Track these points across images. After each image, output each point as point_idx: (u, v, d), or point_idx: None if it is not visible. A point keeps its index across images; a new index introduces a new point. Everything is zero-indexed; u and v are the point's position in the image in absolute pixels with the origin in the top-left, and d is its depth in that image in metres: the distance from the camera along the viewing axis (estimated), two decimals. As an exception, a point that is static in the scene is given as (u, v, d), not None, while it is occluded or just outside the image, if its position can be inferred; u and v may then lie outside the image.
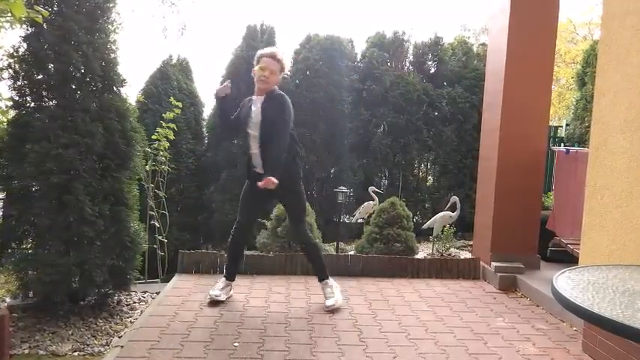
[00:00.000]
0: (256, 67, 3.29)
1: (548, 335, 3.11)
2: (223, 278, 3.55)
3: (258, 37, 6.80)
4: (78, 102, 3.25)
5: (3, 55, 3.22)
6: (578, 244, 3.04)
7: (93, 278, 3.19)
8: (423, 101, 7.19)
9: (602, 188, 2.71)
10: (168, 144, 4.85)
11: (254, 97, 3.35)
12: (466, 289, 4.07)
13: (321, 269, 3.53)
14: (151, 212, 4.70)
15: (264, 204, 3.67)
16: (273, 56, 3.29)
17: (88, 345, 2.92)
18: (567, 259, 3.84)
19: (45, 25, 3.14)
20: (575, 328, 3.19)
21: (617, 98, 2.63)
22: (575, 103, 7.13)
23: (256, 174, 3.31)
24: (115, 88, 3.46)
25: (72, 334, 3.02)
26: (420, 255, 5.28)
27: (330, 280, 3.54)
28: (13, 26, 3.18)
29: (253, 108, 3.30)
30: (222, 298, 3.43)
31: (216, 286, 3.49)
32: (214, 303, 3.39)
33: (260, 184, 3.11)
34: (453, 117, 7.32)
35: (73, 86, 3.30)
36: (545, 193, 5.26)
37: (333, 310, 3.35)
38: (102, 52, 3.35)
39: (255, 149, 3.32)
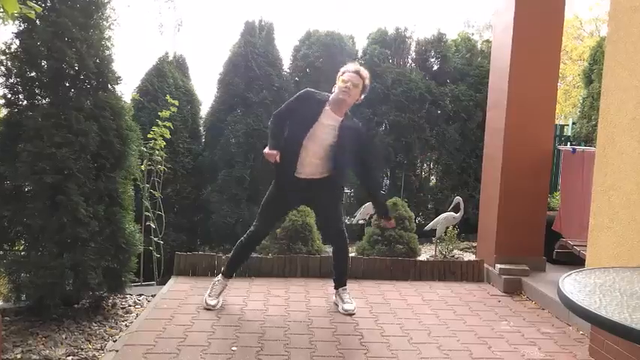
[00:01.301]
0: (339, 81, 3.33)
1: (554, 339, 3.11)
2: (220, 276, 3.53)
3: (256, 34, 6.79)
4: (72, 100, 3.25)
5: (-5, 52, 3.22)
6: (585, 246, 3.04)
7: (87, 281, 3.19)
8: (426, 99, 7.19)
9: (609, 188, 2.71)
10: (165, 143, 4.84)
11: (328, 109, 3.32)
12: (470, 291, 4.07)
13: (345, 273, 3.61)
14: (147, 213, 4.69)
15: (286, 214, 3.73)
16: (357, 71, 3.35)
17: (82, 349, 2.92)
18: (574, 261, 3.84)
19: (38, 21, 3.13)
20: (581, 332, 3.20)
21: (624, 96, 2.63)
22: (581, 101, 7.12)
23: (296, 180, 3.32)
24: (109, 86, 3.46)
25: (65, 338, 3.02)
26: (423, 257, 5.28)
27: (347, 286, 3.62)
28: (5, 22, 3.16)
29: (326, 121, 3.30)
30: (219, 306, 3.43)
31: (212, 292, 3.48)
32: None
33: (389, 225, 3.69)
34: (457, 115, 7.32)
35: (67, 84, 3.30)
36: (551, 194, 5.26)
37: (351, 314, 3.40)
38: (96, 48, 3.35)
39: (312, 158, 3.29)
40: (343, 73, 3.35)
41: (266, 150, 3.20)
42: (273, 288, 3.95)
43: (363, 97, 3.39)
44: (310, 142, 3.28)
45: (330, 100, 3.34)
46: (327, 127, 3.30)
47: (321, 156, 3.31)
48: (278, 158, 3.16)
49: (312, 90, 3.42)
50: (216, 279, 3.56)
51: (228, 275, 3.55)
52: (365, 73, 3.38)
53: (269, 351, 2.77)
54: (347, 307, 3.44)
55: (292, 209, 3.68)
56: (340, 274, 3.58)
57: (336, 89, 3.33)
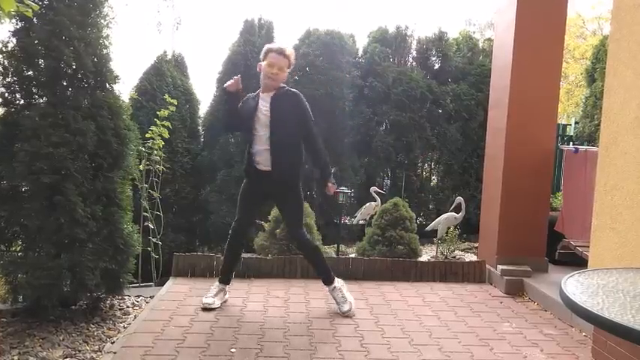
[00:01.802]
0: (264, 63, 3.32)
1: (557, 341, 3.11)
2: (217, 283, 3.54)
3: (255, 32, 6.80)
4: (69, 99, 3.25)
5: (-8, 51, 3.22)
6: (588, 247, 3.04)
7: (85, 282, 3.19)
8: (427, 98, 7.19)
9: (612, 189, 2.71)
10: (163, 143, 4.85)
11: (261, 94, 3.36)
12: (471, 293, 4.07)
13: (325, 272, 3.53)
14: (145, 213, 4.70)
15: (262, 203, 3.69)
16: (281, 52, 3.34)
17: (79, 351, 2.92)
18: (576, 261, 3.84)
19: (35, 20, 3.14)
20: (584, 334, 3.20)
21: (627, 95, 2.63)
22: (584, 100, 7.13)
23: (259, 172, 3.34)
24: (107, 85, 3.46)
25: (63, 340, 3.02)
26: (424, 258, 5.28)
27: (338, 283, 3.54)
28: (2, 21, 3.16)
29: (261, 105, 3.32)
30: (217, 304, 3.43)
31: (209, 293, 3.48)
32: (209, 309, 3.39)
33: (330, 191, 3.46)
34: (458, 115, 7.33)
35: (64, 83, 3.30)
36: (553, 194, 5.26)
37: (350, 315, 3.36)
38: (94, 47, 3.35)
39: (261, 146, 3.31)
40: (267, 53, 3.35)
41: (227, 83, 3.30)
42: (273, 289, 3.95)
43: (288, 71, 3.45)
44: (258, 128, 3.30)
45: (261, 87, 3.38)
46: (261, 109, 3.32)
47: (268, 143, 3.30)
48: (239, 78, 3.28)
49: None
50: (214, 285, 3.56)
51: (225, 282, 3.56)
52: (289, 51, 3.40)
53: (268, 353, 2.77)
54: (343, 308, 3.40)
55: (265, 201, 3.66)
56: (321, 273, 3.55)
57: (262, 71, 3.35)
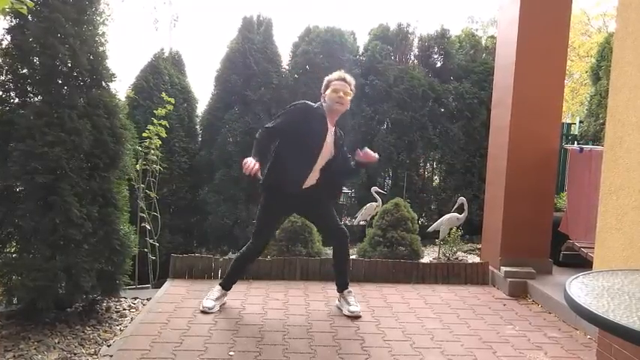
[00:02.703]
0: (328, 91, 3.39)
1: (561, 344, 3.11)
2: (219, 287, 3.54)
3: (254, 29, 6.79)
4: (64, 98, 3.25)
5: (-15, 49, 3.22)
6: (593, 248, 3.04)
7: (80, 284, 3.19)
8: (429, 97, 7.19)
9: (617, 189, 2.71)
10: (160, 142, 4.85)
11: (327, 121, 3.39)
12: (474, 295, 4.07)
13: (347, 275, 3.61)
14: (142, 214, 4.70)
15: (287, 217, 3.74)
16: (343, 79, 3.44)
17: (75, 354, 2.92)
18: (581, 263, 3.84)
19: (30, 17, 3.14)
20: (589, 337, 3.20)
21: (633, 94, 2.63)
22: (589, 98, 7.12)
23: (299, 191, 3.36)
24: (103, 83, 3.46)
25: (58, 343, 3.02)
26: (426, 259, 5.28)
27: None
28: (-4, 18, 3.18)
29: (329, 137, 3.39)
30: (216, 309, 3.43)
31: (209, 296, 3.49)
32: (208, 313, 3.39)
33: (371, 155, 3.36)
34: (461, 113, 7.32)
35: (60, 81, 3.30)
36: (557, 194, 5.26)
37: (357, 317, 3.41)
38: (90, 45, 3.35)
39: (313, 169, 3.36)
40: (330, 82, 3.43)
41: (247, 159, 3.08)
42: (272, 291, 3.95)
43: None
44: (319, 154, 3.36)
45: (325, 112, 3.41)
46: (330, 142, 3.40)
47: (322, 167, 3.42)
48: (257, 172, 3.08)
49: (309, 103, 3.44)
50: (215, 288, 3.56)
51: (226, 288, 3.56)
52: (350, 78, 3.48)
53: (267, 356, 2.77)
54: (352, 308, 3.44)
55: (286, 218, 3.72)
56: (344, 275, 3.58)
57: (326, 100, 3.40)
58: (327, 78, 3.49)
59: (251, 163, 3.05)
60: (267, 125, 3.36)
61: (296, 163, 3.32)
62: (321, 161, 3.39)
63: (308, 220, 4.20)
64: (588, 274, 1.69)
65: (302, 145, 3.31)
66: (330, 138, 3.39)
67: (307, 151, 3.33)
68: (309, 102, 3.44)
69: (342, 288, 3.58)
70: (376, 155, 3.41)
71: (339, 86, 3.39)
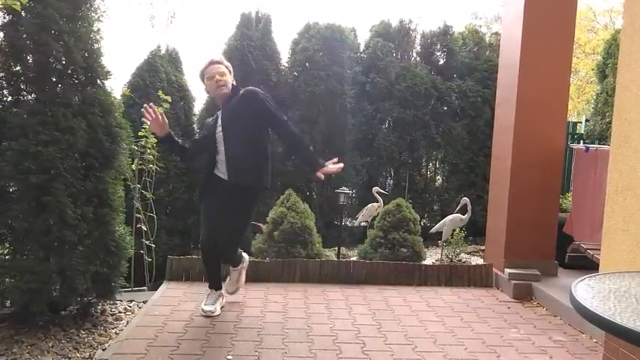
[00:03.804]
0: (206, 82, 3.38)
1: (567, 347, 3.11)
2: (212, 289, 3.54)
3: (253, 26, 6.80)
4: (59, 96, 3.24)
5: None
6: (599, 249, 3.04)
7: (75, 286, 3.19)
8: (432, 95, 7.19)
9: (624, 189, 2.71)
10: (156, 141, 4.84)
11: (221, 111, 3.40)
12: (478, 297, 4.07)
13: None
14: (138, 215, 4.70)
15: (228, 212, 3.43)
16: (213, 62, 3.38)
17: (69, 358, 2.92)
18: (587, 265, 3.83)
19: (23, 13, 3.13)
20: (595, 340, 3.20)
21: (640, 92, 2.63)
22: (595, 97, 7.13)
23: (222, 182, 3.35)
24: (98, 81, 3.46)
25: (52, 347, 3.02)
26: (428, 261, 5.28)
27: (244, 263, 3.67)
28: (-11, 14, 3.18)
29: (219, 119, 3.37)
30: (218, 312, 3.43)
31: (208, 300, 3.48)
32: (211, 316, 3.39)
33: (319, 176, 3.24)
34: (464, 112, 7.32)
35: (54, 79, 3.30)
36: (562, 195, 5.27)
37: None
38: (84, 42, 3.34)
39: (221, 158, 3.33)
40: (203, 73, 3.39)
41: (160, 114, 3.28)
42: (271, 293, 3.95)
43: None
44: (220, 144, 3.32)
45: (218, 104, 3.44)
46: (219, 122, 3.37)
47: (224, 153, 3.32)
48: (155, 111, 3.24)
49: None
50: (209, 291, 3.55)
51: (216, 287, 3.55)
52: (219, 56, 3.49)
53: (266, 359, 2.77)
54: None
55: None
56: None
57: (209, 91, 3.44)
58: (199, 70, 3.43)
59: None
60: None
61: (210, 164, 3.39)
62: (221, 146, 3.30)
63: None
64: (594, 277, 1.69)
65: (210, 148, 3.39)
66: (220, 117, 3.35)
67: (213, 149, 3.35)
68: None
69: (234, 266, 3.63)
70: (338, 166, 3.29)
71: (212, 71, 3.34)
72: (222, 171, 3.34)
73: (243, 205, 3.36)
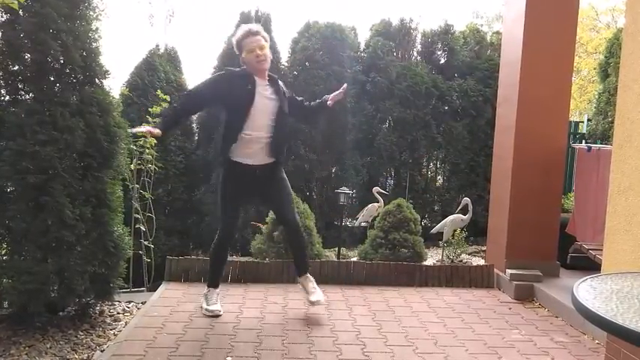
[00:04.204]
0: (244, 54, 3.32)
1: (568, 349, 3.11)
2: (211, 288, 3.53)
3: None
4: (57, 95, 3.25)
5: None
6: (601, 250, 3.04)
7: (73, 287, 3.19)
8: (432, 94, 7.20)
9: (626, 189, 2.71)
10: (155, 141, 4.85)
11: (256, 78, 3.32)
12: (479, 298, 4.07)
13: (305, 260, 3.63)
14: (137, 215, 4.69)
15: (249, 201, 3.63)
16: (252, 33, 3.33)
17: (67, 359, 2.92)
18: (589, 265, 3.83)
19: (21, 12, 3.13)
20: (597, 341, 3.20)
21: (643, 91, 2.62)
22: (597, 96, 7.12)
23: (248, 168, 3.32)
24: (97, 80, 3.46)
25: (50, 348, 3.02)
26: (429, 261, 5.28)
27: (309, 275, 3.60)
28: (-13, 13, 3.18)
29: (263, 91, 3.32)
30: (221, 310, 3.42)
31: (209, 301, 3.47)
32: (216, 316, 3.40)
33: (333, 98, 3.52)
34: (465, 111, 7.33)
35: (52, 78, 3.30)
36: (564, 195, 5.26)
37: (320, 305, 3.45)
38: (83, 41, 3.35)
39: (262, 136, 3.30)
40: (240, 43, 3.32)
41: (148, 127, 3.19)
42: (271, 294, 3.95)
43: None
44: (251, 123, 3.27)
45: (251, 72, 3.35)
46: (267, 96, 3.35)
47: (265, 136, 3.31)
48: (154, 133, 3.17)
49: (230, 69, 3.48)
50: (205, 291, 3.54)
51: (215, 286, 3.55)
52: (257, 27, 3.39)
53: (266, 361, 2.77)
54: (312, 298, 3.44)
55: (251, 200, 3.63)
56: (302, 261, 3.60)
57: (246, 63, 3.34)
58: (234, 39, 3.38)
59: (151, 129, 3.15)
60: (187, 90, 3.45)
61: (228, 135, 3.30)
62: (254, 126, 3.26)
63: (264, 205, 3.89)
64: (596, 277, 1.69)
65: (231, 116, 3.32)
66: (264, 90, 3.32)
67: (235, 120, 3.28)
68: (231, 68, 3.48)
69: (300, 273, 3.58)
70: (342, 89, 3.54)
71: (253, 44, 3.29)
72: (253, 150, 3.30)
73: (283, 181, 3.47)
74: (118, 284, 3.56)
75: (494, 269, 4.41)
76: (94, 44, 3.43)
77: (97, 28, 3.45)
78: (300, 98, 3.64)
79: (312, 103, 3.67)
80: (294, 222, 3.49)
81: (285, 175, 3.52)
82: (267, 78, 3.38)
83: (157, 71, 6.53)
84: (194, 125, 7.06)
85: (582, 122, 7.43)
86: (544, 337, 3.29)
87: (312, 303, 3.45)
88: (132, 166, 4.57)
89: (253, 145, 3.29)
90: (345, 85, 3.57)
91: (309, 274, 3.57)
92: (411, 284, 4.33)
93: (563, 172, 4.60)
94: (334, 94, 3.54)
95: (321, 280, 4.27)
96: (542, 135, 4.22)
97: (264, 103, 3.31)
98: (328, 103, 3.54)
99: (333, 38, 6.91)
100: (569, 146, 5.28)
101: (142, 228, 4.72)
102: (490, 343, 3.15)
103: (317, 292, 3.49)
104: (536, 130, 4.20)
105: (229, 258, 3.99)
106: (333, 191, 6.15)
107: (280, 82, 3.45)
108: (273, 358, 2.81)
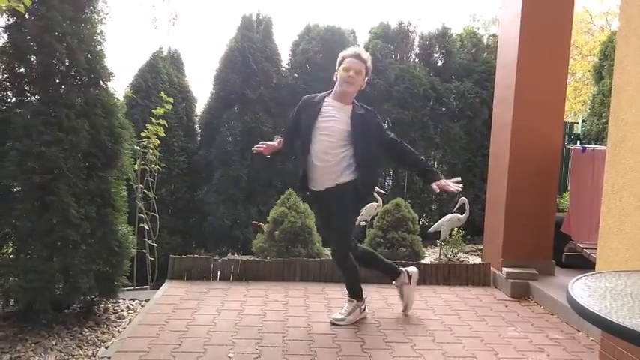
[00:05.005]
0: (339, 69, 3.25)
1: (563, 345, 3.11)
2: (354, 301, 3.40)
3: (253, 28, 6.79)
4: (62, 97, 3.25)
5: (-18, 47, 3.22)
6: (595, 249, 3.04)
7: (78, 285, 3.19)
8: (430, 96, 7.19)
9: (620, 189, 2.71)
10: (159, 142, 4.85)
11: (331, 100, 3.28)
12: (476, 296, 4.07)
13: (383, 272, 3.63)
14: (140, 214, 4.70)
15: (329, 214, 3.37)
16: (357, 56, 3.26)
17: (72, 356, 2.92)
18: (583, 264, 3.84)
19: (27, 15, 3.14)
20: (591, 338, 3.20)
21: (636, 92, 2.63)
22: (591, 98, 7.13)
23: (312, 193, 3.33)
24: (101, 82, 3.46)
25: (56, 344, 3.02)
26: (427, 260, 5.28)
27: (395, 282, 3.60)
28: (-6, 16, 3.18)
29: (336, 114, 3.23)
30: (346, 322, 3.34)
31: (351, 314, 3.37)
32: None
33: (441, 187, 3.15)
34: (462, 113, 7.32)
35: (57, 80, 3.30)
36: (559, 194, 5.27)
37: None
38: (88, 43, 3.35)
39: (322, 160, 3.20)
40: (343, 59, 3.27)
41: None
42: (272, 292, 3.95)
43: (367, 79, 3.33)
44: (326, 137, 3.21)
45: (332, 92, 3.31)
46: (331, 117, 3.24)
47: (331, 158, 3.19)
48: (277, 145, 3.30)
49: (310, 94, 3.42)
50: (351, 302, 3.41)
51: (360, 298, 3.45)
52: (366, 55, 3.31)
53: (267, 357, 2.77)
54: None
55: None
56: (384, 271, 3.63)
57: (337, 79, 3.28)
58: (342, 53, 3.31)
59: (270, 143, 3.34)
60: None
61: (300, 160, 3.31)
62: (320, 147, 3.19)
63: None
64: (591, 275, 1.69)
65: (302, 140, 3.31)
66: (330, 112, 3.22)
67: (304, 143, 3.26)
68: (312, 94, 3.43)
69: (392, 279, 3.60)
70: (458, 186, 3.19)
71: (352, 64, 3.22)
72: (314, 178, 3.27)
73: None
74: (122, 282, 3.56)
75: (491, 267, 4.42)
76: (99, 47, 3.44)
77: (101, 31, 3.45)
78: (391, 136, 3.40)
79: (420, 165, 3.39)
80: (332, 250, 3.45)
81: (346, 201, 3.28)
82: (353, 105, 3.28)
83: (160, 73, 6.52)
84: (196, 126, 7.05)
85: (577, 123, 7.43)
86: (539, 333, 3.29)
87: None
88: (136, 166, 4.58)
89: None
90: (460, 186, 3.21)
91: (395, 282, 3.58)
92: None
93: (559, 173, 4.60)
94: (448, 185, 3.16)
95: (320, 279, 4.29)
96: (538, 135, 4.22)
97: (326, 122, 3.24)
98: (433, 186, 3.17)
99: (332, 41, 6.90)
100: (564, 147, 5.28)
101: (146, 227, 4.72)
102: (487, 339, 3.15)
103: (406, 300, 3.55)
104: (531, 131, 4.20)
105: (231, 256, 3.99)
106: (332, 191, 6.14)
107: (368, 114, 3.29)
108: (273, 354, 2.81)
